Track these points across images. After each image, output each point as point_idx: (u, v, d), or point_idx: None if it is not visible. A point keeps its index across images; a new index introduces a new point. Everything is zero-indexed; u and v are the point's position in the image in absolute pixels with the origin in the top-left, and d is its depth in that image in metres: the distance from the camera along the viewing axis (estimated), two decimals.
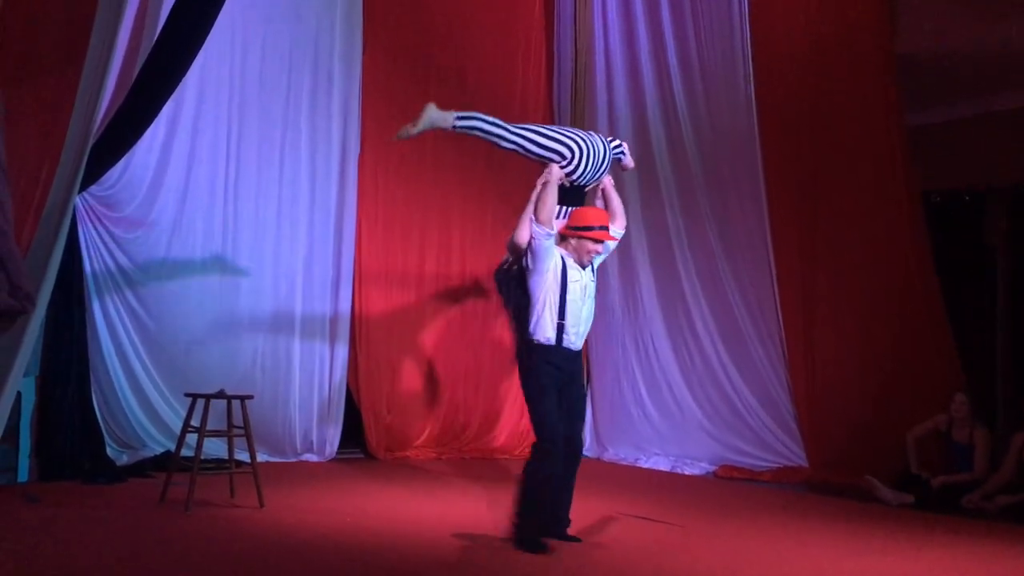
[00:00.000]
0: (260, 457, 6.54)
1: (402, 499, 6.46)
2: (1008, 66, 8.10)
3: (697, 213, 8.66)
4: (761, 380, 8.30)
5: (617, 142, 5.76)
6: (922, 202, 8.00)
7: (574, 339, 5.11)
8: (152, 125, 7.09)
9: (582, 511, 6.23)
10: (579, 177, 5.34)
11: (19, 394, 6.23)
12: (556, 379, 5.05)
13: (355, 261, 8.41)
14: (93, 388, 6.96)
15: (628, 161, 5.84)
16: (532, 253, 5.06)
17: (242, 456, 6.43)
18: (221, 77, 7.82)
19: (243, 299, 7.89)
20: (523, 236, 5.14)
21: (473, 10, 9.11)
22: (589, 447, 9.31)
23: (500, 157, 9.06)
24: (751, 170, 8.33)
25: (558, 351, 5.05)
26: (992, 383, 8.67)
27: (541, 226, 5.03)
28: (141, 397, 7.33)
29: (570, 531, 5.17)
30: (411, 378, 8.62)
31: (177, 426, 6.53)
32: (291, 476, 7.14)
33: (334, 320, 8.30)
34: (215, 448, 7.02)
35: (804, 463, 7.99)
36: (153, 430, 7.31)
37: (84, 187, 6.71)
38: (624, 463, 8.73)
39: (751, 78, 8.30)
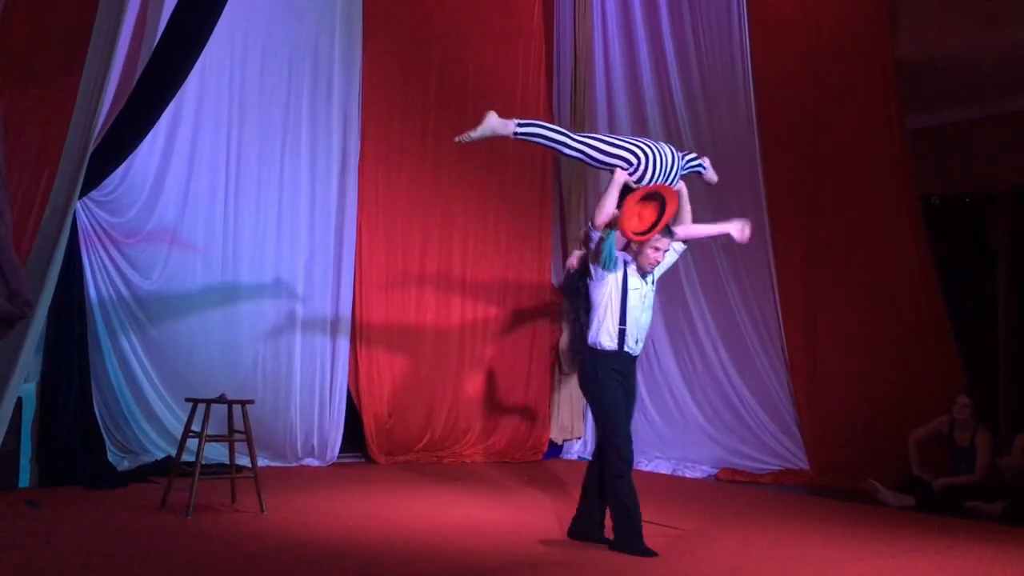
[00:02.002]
0: (261, 462, 6.54)
1: (403, 504, 6.45)
2: (1008, 69, 8.10)
3: (697, 217, 8.63)
4: (762, 383, 8.30)
5: (694, 155, 5.79)
6: (922, 206, 8.01)
7: (634, 345, 5.15)
8: (152, 130, 7.10)
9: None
10: (649, 184, 5.30)
11: (20, 399, 6.23)
12: (620, 383, 5.11)
13: (356, 264, 8.41)
14: (94, 393, 6.96)
15: (711, 175, 5.87)
16: (593, 255, 5.11)
17: (243, 461, 6.43)
18: (221, 82, 7.82)
19: (244, 303, 7.89)
20: (600, 220, 5.10)
21: (473, 14, 9.12)
22: (590, 451, 9.30)
23: (501, 159, 9.16)
24: (751, 174, 8.34)
25: (619, 356, 5.10)
26: (994, 386, 8.66)
27: (596, 230, 5.08)
28: (142, 402, 7.33)
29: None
30: (412, 382, 8.62)
31: (178, 431, 6.52)
32: (292, 481, 7.13)
33: (335, 324, 8.30)
34: (216, 453, 7.02)
35: (805, 466, 7.99)
36: (154, 435, 7.30)
37: (84, 192, 6.71)
38: None
39: (751, 82, 8.31)
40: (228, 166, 7.88)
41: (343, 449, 8.30)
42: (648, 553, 4.93)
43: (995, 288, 8.99)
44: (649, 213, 5.04)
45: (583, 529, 5.26)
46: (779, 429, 8.20)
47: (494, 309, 9.10)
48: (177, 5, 6.77)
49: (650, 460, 8.69)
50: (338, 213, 8.37)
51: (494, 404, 9.02)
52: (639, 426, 8.91)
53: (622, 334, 5.08)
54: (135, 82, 6.85)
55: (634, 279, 5.13)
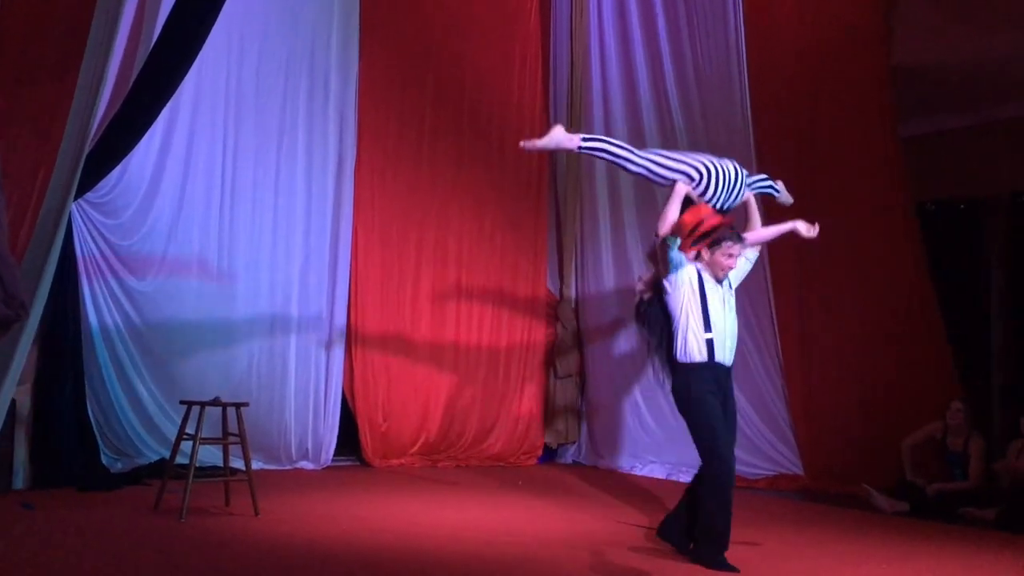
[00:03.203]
0: (255, 465, 6.52)
1: (398, 507, 6.45)
2: (1004, 76, 8.13)
3: None
4: (757, 388, 8.30)
5: (765, 176, 5.83)
6: (918, 211, 8.03)
7: (725, 353, 5.07)
8: (148, 132, 7.09)
9: (579, 519, 6.25)
10: (712, 200, 5.30)
11: (14, 401, 6.22)
12: (716, 396, 5.01)
13: (351, 268, 8.41)
14: (88, 395, 6.96)
15: (785, 197, 5.92)
16: (663, 266, 5.07)
17: (237, 464, 6.42)
18: (217, 85, 7.83)
19: (239, 306, 7.89)
20: (663, 229, 5.10)
21: (470, 19, 9.13)
22: (585, 455, 9.32)
23: (498, 165, 9.17)
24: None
25: (711, 368, 5.01)
26: (988, 392, 8.68)
27: (663, 236, 5.06)
28: (136, 404, 7.32)
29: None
30: (407, 385, 8.61)
31: (172, 434, 6.52)
32: (286, 484, 7.13)
33: (330, 327, 8.29)
34: (210, 456, 7.01)
35: (800, 471, 7.99)
36: (148, 438, 7.29)
37: (80, 194, 6.72)
38: (620, 471, 8.72)
39: (747, 88, 8.32)
40: (224, 168, 7.88)
41: (337, 452, 8.29)
42: (730, 569, 4.83)
43: (989, 295, 9.01)
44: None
45: (670, 531, 5.22)
46: (774, 434, 8.20)
47: (489, 314, 9.10)
48: (174, 7, 6.78)
49: (644, 464, 8.68)
50: (334, 216, 8.37)
51: (489, 408, 9.01)
52: (632, 429, 8.95)
53: (710, 344, 4.98)
54: (131, 84, 6.85)
55: (711, 283, 5.07)
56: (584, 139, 5.38)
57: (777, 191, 5.91)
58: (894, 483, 7.09)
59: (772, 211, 8.08)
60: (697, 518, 5.08)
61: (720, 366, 5.04)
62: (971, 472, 6.89)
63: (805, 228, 5.50)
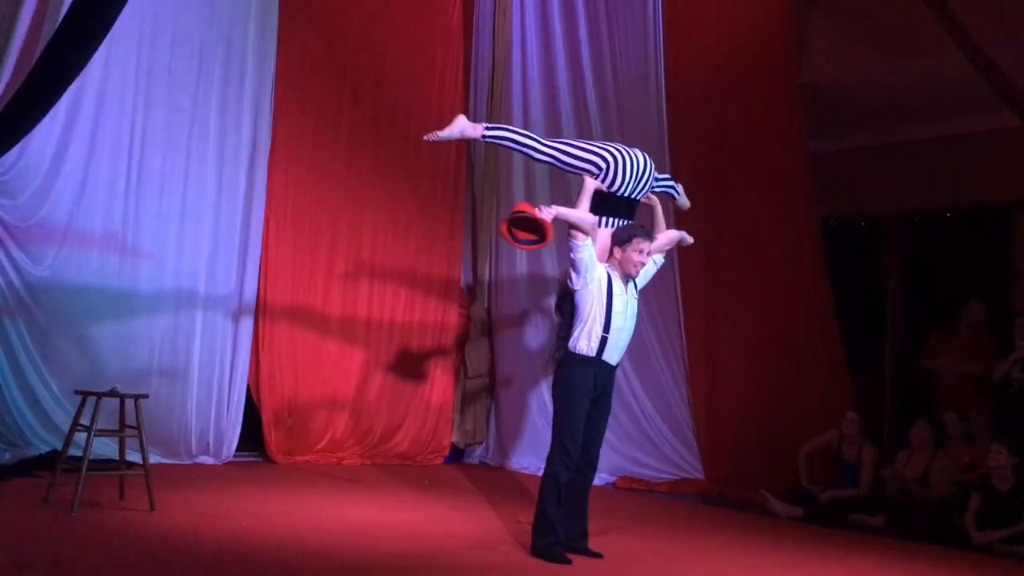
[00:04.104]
0: (153, 458, 6.35)
1: (299, 504, 6.36)
2: (905, 100, 8.45)
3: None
4: (662, 393, 8.45)
5: (670, 177, 5.96)
6: (821, 227, 8.29)
7: (614, 354, 5.16)
8: (50, 113, 6.83)
9: (483, 519, 6.26)
10: (621, 188, 5.37)
11: None
12: (591, 391, 5.10)
13: (261, 260, 8.25)
14: None
15: (683, 201, 6.09)
16: (572, 266, 5.12)
17: (134, 457, 6.23)
18: (127, 67, 7.59)
19: (141, 296, 7.66)
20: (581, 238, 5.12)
21: (392, 13, 9.06)
22: (492, 456, 9.35)
23: (415, 157, 9.11)
24: None
25: (597, 363, 5.10)
26: (880, 403, 9.01)
27: (573, 239, 5.07)
28: (27, 393, 7.05)
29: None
30: (314, 381, 8.50)
31: (66, 425, 6.30)
32: (185, 479, 6.96)
33: (237, 319, 8.12)
34: (105, 449, 6.79)
35: (701, 475, 8.16)
36: (39, 428, 7.03)
37: None
38: (527, 472, 8.76)
39: (663, 90, 8.48)
40: (131, 154, 7.64)
41: (240, 448, 8.12)
42: (562, 560, 4.94)
43: (884, 310, 9.35)
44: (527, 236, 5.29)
45: (577, 543, 5.22)
46: (677, 439, 8.36)
47: (401, 310, 9.05)
48: None
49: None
50: (245, 206, 8.20)
51: (397, 406, 8.96)
52: (540, 431, 8.99)
53: (603, 342, 5.08)
54: (34, 61, 6.59)
55: (618, 286, 5.15)
56: (488, 127, 5.50)
57: (678, 193, 6.06)
58: (789, 489, 7.30)
59: (670, 215, 8.23)
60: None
61: (604, 364, 5.16)
62: (863, 480, 7.15)
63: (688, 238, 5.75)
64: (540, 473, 8.48)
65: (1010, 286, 8.52)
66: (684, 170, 8.39)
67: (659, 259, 5.53)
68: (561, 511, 5.06)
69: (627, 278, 5.20)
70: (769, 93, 8.14)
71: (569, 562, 4.96)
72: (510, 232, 5.32)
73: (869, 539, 6.43)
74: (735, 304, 8.19)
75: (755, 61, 8.22)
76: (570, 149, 5.45)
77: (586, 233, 5.07)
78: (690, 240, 5.80)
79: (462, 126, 5.38)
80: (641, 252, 5.14)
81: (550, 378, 8.81)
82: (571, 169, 5.48)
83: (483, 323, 9.43)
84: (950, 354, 7.70)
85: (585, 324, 5.09)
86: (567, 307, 5.27)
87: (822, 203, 8.28)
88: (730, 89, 8.30)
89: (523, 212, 5.23)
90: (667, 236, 5.65)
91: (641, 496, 7.85)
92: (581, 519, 5.27)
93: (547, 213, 5.09)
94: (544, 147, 5.45)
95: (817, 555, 5.79)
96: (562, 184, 8.91)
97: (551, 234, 5.27)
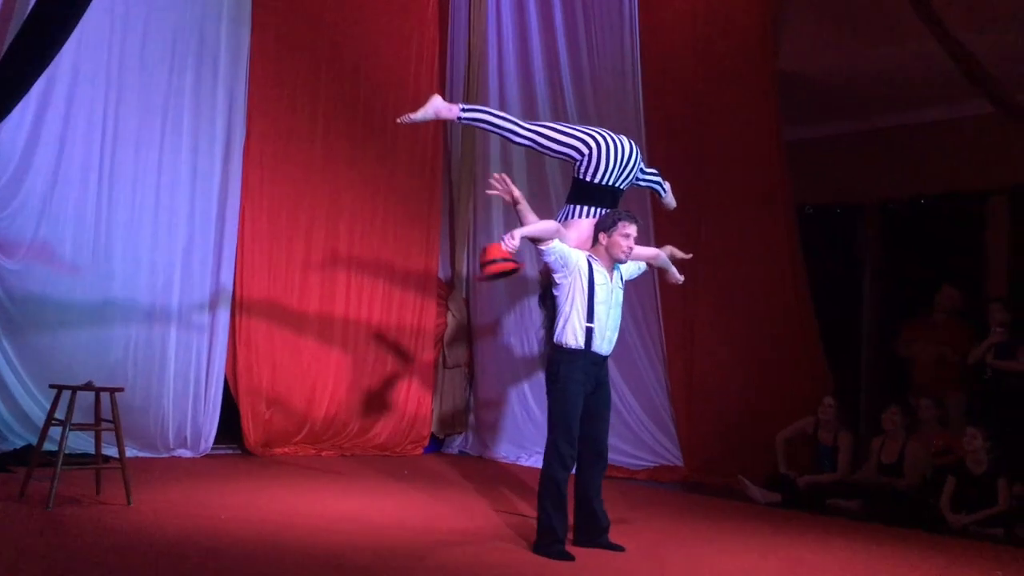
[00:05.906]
0: (130, 452, 6.31)
1: (279, 496, 6.33)
2: (879, 88, 8.50)
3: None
4: (641, 380, 8.47)
5: (657, 172, 5.79)
6: (797, 214, 8.33)
7: (603, 344, 5.08)
8: (19, 105, 6.72)
9: (464, 509, 6.26)
10: (605, 175, 5.24)
11: None
12: (583, 385, 5.02)
13: (237, 252, 8.19)
14: None
15: (670, 199, 5.93)
16: (550, 268, 5.07)
17: (110, 451, 6.18)
18: (99, 57, 7.49)
19: (116, 287, 7.58)
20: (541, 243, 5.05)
21: (366, 3, 9.00)
22: (472, 446, 9.35)
23: (391, 148, 9.06)
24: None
25: (586, 355, 5.02)
26: (856, 389, 9.09)
27: (539, 250, 5.02)
28: (1, 387, 6.96)
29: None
30: (292, 373, 8.45)
31: (40, 418, 6.24)
32: (162, 472, 6.91)
33: (213, 311, 8.06)
34: (81, 443, 6.73)
35: (680, 463, 8.20)
36: (13, 422, 6.95)
37: None
38: (505, 461, 8.78)
39: (639, 82, 8.48)
40: (104, 146, 7.55)
41: (218, 440, 8.07)
42: (564, 557, 4.88)
43: (860, 296, 9.43)
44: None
45: (596, 537, 5.18)
46: (656, 426, 8.39)
47: (379, 300, 9.02)
48: None
49: (530, 455, 8.75)
50: (220, 197, 8.13)
51: (376, 396, 8.93)
52: (519, 421, 9.01)
53: (589, 332, 5.01)
54: (3, 52, 6.49)
55: (600, 275, 5.08)
56: (464, 108, 5.31)
57: (664, 191, 5.97)
58: (768, 475, 7.35)
59: (656, 213, 8.26)
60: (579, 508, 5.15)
61: (595, 354, 5.09)
62: (839, 465, 7.21)
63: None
64: (519, 462, 8.68)
65: (984, 272, 8.61)
66: (661, 157, 8.41)
67: (643, 265, 5.49)
68: (561, 511, 4.99)
69: (613, 266, 5.14)
70: (746, 81, 8.16)
71: (572, 558, 4.87)
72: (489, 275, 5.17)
73: (846, 523, 6.49)
74: (713, 291, 8.22)
75: (732, 48, 8.24)
76: (552, 133, 5.31)
77: (551, 239, 5.01)
78: (680, 279, 5.60)
79: (436, 107, 5.21)
80: (627, 236, 5.08)
81: (532, 369, 8.85)
82: (552, 153, 5.37)
83: (462, 313, 9.41)
84: (925, 340, 7.77)
85: (569, 316, 5.03)
86: (549, 300, 5.25)
87: (798, 190, 8.32)
88: (707, 76, 8.31)
89: (494, 260, 5.07)
90: (654, 251, 5.54)
91: (619, 483, 7.86)
92: (595, 518, 5.16)
93: (511, 244, 4.90)
94: (524, 130, 5.30)
95: (796, 539, 5.83)
96: (542, 180, 8.88)
97: (522, 264, 5.17)
